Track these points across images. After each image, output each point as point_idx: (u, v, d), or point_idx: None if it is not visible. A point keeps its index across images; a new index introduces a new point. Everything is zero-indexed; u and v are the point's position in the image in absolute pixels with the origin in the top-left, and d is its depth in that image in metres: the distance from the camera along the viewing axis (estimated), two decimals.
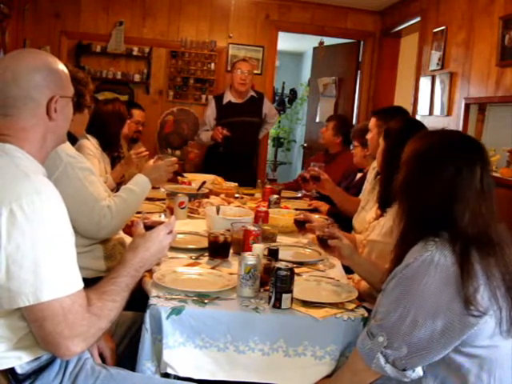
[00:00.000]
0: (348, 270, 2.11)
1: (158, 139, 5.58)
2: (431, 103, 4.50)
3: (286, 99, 9.05)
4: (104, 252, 2.07)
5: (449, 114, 4.20)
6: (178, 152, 5.51)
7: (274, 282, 1.63)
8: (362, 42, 5.97)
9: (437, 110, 4.38)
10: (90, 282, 1.29)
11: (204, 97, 5.56)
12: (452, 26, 4.24)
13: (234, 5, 5.32)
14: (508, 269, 1.33)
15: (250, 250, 1.90)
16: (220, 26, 5.54)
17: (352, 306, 1.71)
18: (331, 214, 3.08)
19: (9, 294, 1.13)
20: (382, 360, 1.35)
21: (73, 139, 2.16)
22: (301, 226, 2.40)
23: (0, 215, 1.12)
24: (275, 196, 3.11)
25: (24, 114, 1.29)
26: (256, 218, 2.51)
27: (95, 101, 3.04)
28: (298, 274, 1.88)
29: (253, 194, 3.65)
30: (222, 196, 3.17)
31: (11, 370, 1.23)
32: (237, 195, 3.36)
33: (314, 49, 6.63)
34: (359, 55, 6.02)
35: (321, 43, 6.12)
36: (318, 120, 6.39)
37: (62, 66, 1.38)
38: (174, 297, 1.65)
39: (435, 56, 4.45)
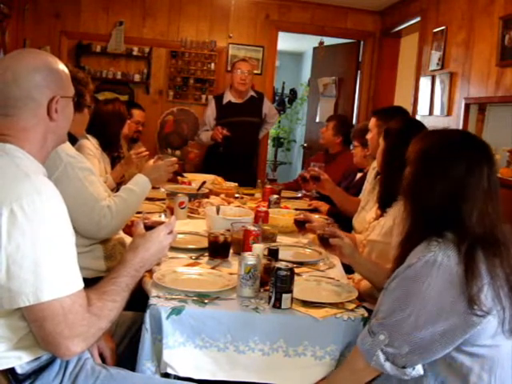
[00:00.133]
0: (348, 270, 2.11)
1: (158, 139, 5.58)
2: (431, 103, 4.50)
3: (286, 99, 9.05)
4: (104, 252, 2.07)
5: (449, 114, 4.20)
6: (178, 152, 5.50)
7: (274, 282, 1.63)
8: (362, 42, 5.97)
9: (437, 110, 4.38)
10: (90, 282, 1.29)
11: (204, 97, 5.55)
12: (452, 26, 4.24)
13: (233, 5, 5.31)
14: None
15: (250, 250, 1.90)
16: (220, 26, 5.54)
17: (352, 306, 1.71)
18: (331, 213, 3.08)
19: (9, 294, 1.13)
20: (382, 357, 1.35)
21: (73, 139, 2.16)
22: (301, 225, 2.40)
23: (0, 215, 1.12)
24: (275, 196, 3.10)
25: (25, 114, 1.29)
26: (256, 218, 2.51)
27: (95, 101, 3.04)
28: (298, 274, 1.88)
29: (253, 194, 3.65)
30: (222, 196, 3.17)
31: (11, 370, 1.23)
32: (237, 195, 3.36)
33: (314, 49, 6.62)
34: (359, 55, 6.01)
35: (321, 43, 6.12)
36: (318, 120, 6.38)
37: (62, 66, 1.38)
38: (174, 297, 1.65)
39: (435, 56, 4.45)
